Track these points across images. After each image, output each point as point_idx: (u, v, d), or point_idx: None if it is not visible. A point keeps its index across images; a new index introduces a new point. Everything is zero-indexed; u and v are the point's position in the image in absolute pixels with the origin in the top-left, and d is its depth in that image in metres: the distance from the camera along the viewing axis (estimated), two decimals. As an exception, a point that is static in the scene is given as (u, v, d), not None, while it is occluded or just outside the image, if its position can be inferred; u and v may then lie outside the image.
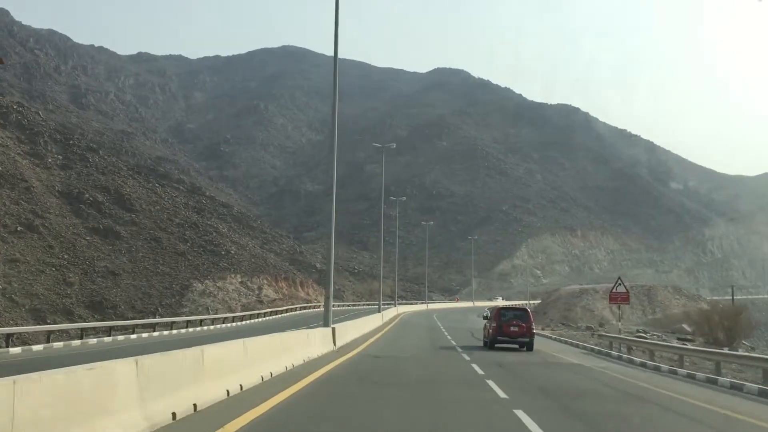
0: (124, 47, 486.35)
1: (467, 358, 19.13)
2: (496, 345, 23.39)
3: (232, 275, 63.33)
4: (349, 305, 76.80)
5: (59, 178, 64.16)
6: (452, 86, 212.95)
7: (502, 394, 11.14)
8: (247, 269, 66.22)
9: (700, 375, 16.25)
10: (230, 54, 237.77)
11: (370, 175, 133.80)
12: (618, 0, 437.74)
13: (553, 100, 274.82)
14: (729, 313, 28.62)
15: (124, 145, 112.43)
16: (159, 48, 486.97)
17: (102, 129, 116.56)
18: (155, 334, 30.89)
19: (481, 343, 25.82)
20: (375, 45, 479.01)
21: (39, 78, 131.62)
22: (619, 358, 22.10)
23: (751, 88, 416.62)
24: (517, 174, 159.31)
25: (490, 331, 23.98)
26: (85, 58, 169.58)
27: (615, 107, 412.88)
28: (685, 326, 37.30)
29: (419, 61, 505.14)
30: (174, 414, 7.34)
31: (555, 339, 32.30)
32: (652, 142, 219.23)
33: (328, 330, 20.36)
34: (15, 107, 73.44)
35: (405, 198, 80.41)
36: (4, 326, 34.06)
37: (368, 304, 73.18)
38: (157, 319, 37.84)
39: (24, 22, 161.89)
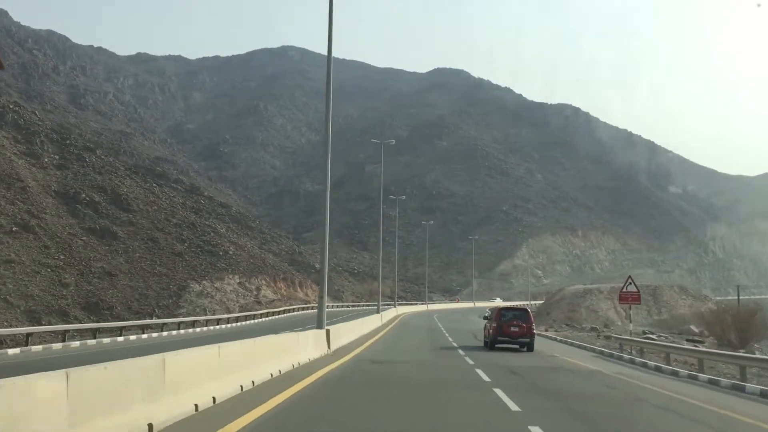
0: (124, 48, 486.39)
1: (471, 362, 18.03)
2: (497, 345, 23.47)
3: (230, 276, 62.69)
4: (348, 306, 76.18)
5: (55, 178, 63.54)
6: (452, 86, 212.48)
7: (513, 406, 9.89)
8: (245, 270, 65.58)
9: (724, 381, 15.16)
10: (230, 54, 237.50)
11: (370, 175, 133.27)
12: (619, 0, 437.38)
13: (553, 100, 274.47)
14: (743, 314, 27.80)
15: (122, 145, 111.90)
16: (158, 48, 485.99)
17: (100, 129, 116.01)
18: (144, 336, 30.02)
19: (482, 344, 25.91)
20: (375, 45, 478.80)
21: (37, 78, 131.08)
22: (632, 361, 21.02)
23: (752, 87, 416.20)
24: (518, 174, 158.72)
25: (491, 331, 24.00)
26: (84, 59, 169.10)
27: (615, 107, 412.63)
28: (692, 327, 36.57)
29: (419, 62, 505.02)
30: None
31: (561, 341, 31.17)
32: (652, 142, 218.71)
33: (322, 332, 19.18)
34: (11, 107, 72.81)
35: (405, 197, 79.61)
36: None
37: (368, 305, 72.58)
38: (146, 321, 36.72)
39: (23, 23, 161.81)
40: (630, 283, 24.97)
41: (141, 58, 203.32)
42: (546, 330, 41.67)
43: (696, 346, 23.42)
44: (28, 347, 23.76)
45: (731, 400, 12.77)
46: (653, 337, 27.88)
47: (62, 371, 5.60)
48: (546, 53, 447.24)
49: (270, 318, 50.06)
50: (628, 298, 24.71)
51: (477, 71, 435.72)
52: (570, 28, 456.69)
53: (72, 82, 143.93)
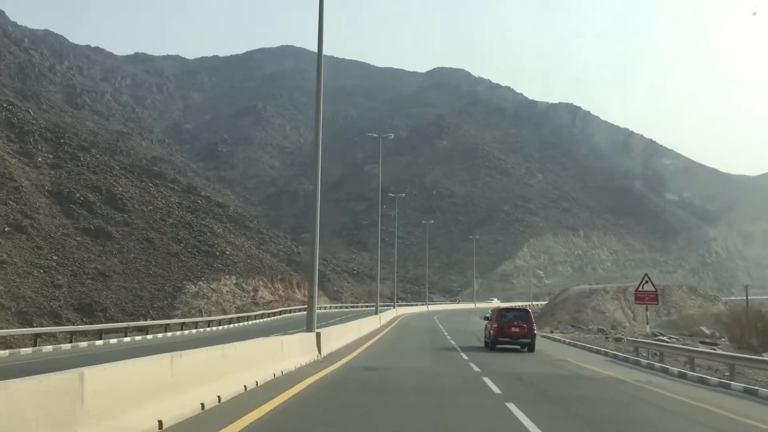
0: (121, 48, 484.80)
1: (476, 368, 16.51)
2: (497, 346, 23.50)
3: (227, 277, 61.64)
4: (346, 307, 75.14)
5: (49, 178, 62.47)
6: (452, 86, 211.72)
7: (532, 428, 8.43)
8: (242, 270, 64.52)
9: (762, 391, 13.85)
10: (228, 54, 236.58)
11: (369, 175, 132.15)
12: (618, 0, 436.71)
13: (553, 100, 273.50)
14: (765, 316, 26.58)
15: (119, 145, 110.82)
16: (156, 48, 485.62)
17: (97, 129, 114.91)
18: (126, 339, 28.58)
19: (482, 344, 25.96)
20: (374, 45, 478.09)
21: (33, 78, 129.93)
22: (650, 366, 19.48)
23: (752, 87, 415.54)
24: (518, 173, 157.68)
25: (491, 331, 24.02)
26: (81, 59, 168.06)
27: (616, 107, 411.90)
28: (703, 328, 35.44)
29: (419, 61, 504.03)
30: None
31: (569, 343, 29.60)
32: (654, 141, 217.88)
33: (311, 336, 17.42)
34: (5, 105, 71.79)
35: (404, 195, 78.26)
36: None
37: (367, 306, 71.46)
38: (129, 324, 34.79)
39: (20, 23, 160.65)
40: (646, 281, 23.22)
41: (139, 58, 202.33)
42: (552, 331, 40.49)
43: (713, 349, 22.06)
44: (17, 350, 22.98)
45: None
46: (665, 339, 26.62)
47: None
48: (546, 52, 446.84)
49: (266, 320, 48.63)
50: (645, 297, 23.07)
51: (477, 71, 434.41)
52: (570, 27, 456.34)
53: (69, 82, 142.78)
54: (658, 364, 19.40)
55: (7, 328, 37.54)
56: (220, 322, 42.08)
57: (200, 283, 58.15)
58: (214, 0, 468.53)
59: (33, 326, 40.79)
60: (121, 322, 40.75)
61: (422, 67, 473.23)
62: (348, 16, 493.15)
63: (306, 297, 74.55)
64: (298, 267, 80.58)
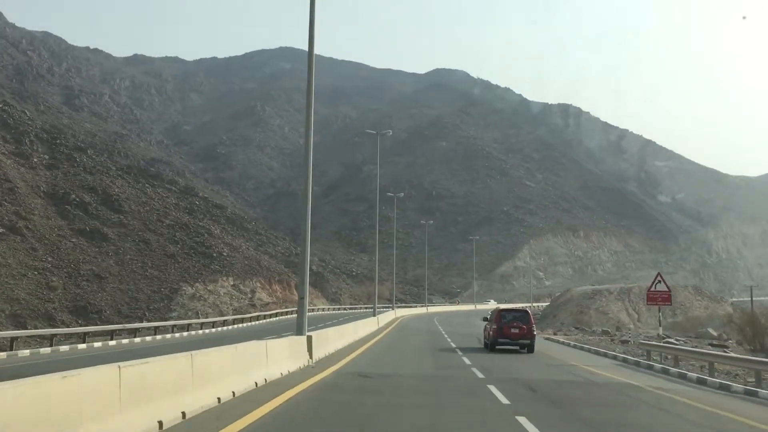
0: (120, 49, 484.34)
1: (480, 375, 15.32)
2: (497, 347, 23.51)
3: (224, 278, 61.04)
4: (345, 309, 74.57)
5: (45, 178, 61.92)
6: (451, 87, 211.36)
7: None
8: (239, 272, 63.92)
9: None
10: (227, 56, 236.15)
11: (368, 177, 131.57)
12: (618, 1, 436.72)
13: (553, 100, 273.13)
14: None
15: (116, 146, 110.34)
16: (155, 50, 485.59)
17: (95, 130, 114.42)
18: (112, 343, 27.61)
19: (482, 345, 25.94)
20: (373, 47, 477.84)
21: (31, 79, 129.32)
22: (665, 371, 18.31)
23: (752, 88, 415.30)
24: (518, 174, 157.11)
25: (491, 333, 23.97)
26: (80, 60, 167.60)
27: (615, 107, 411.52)
28: (710, 330, 34.78)
29: (418, 63, 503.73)
30: None
31: (574, 346, 28.54)
32: (653, 142, 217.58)
33: (302, 339, 16.14)
34: (0, 106, 71.28)
35: (402, 194, 77.47)
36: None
37: (366, 308, 70.84)
38: (113, 326, 33.26)
39: (18, 24, 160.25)
40: (659, 281, 21.82)
41: (138, 60, 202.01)
42: (555, 333, 39.81)
43: (726, 351, 21.20)
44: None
45: None
46: (672, 341, 25.83)
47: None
48: (544, 53, 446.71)
49: (261, 322, 47.69)
50: (657, 298, 21.68)
51: (476, 72, 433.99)
52: (568, 28, 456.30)
53: (67, 84, 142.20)
54: (673, 369, 18.36)
55: (1, 331, 36.98)
56: (213, 325, 40.97)
57: (197, 284, 57.57)
58: (213, 2, 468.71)
59: (27, 329, 40.23)
60: (117, 324, 40.09)
61: (421, 68, 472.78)
62: (347, 18, 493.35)
63: (304, 298, 73.92)
64: (296, 268, 79.64)
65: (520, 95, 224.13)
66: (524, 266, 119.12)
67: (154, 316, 49.73)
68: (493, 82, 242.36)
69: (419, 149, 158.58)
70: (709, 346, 26.39)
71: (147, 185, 74.01)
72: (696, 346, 24.84)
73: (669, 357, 20.38)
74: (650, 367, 19.49)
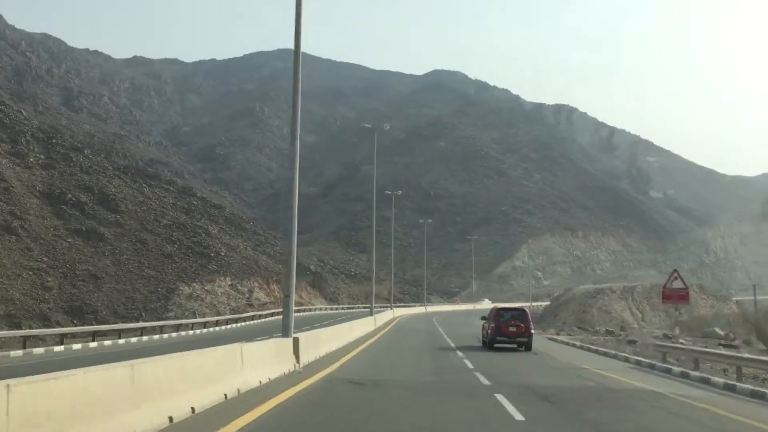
0: (120, 51, 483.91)
1: (486, 381, 13.99)
2: (495, 345, 23.82)
3: (222, 278, 60.92)
4: (342, 308, 74.44)
5: (41, 178, 61.80)
6: (449, 87, 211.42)
7: None
8: (237, 271, 63.80)
9: None
10: (226, 57, 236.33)
11: (366, 177, 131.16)
12: (617, 1, 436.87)
13: (550, 100, 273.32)
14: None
15: (115, 147, 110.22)
16: (154, 52, 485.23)
17: (93, 131, 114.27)
18: (93, 344, 26.65)
19: (480, 343, 26.14)
20: (371, 48, 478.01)
21: (30, 80, 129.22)
22: (685, 376, 16.85)
23: (751, 88, 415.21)
24: (516, 174, 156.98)
25: (489, 331, 24.27)
26: (80, 62, 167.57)
27: (614, 107, 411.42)
28: (717, 329, 34.29)
29: (416, 63, 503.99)
30: None
31: (580, 347, 27.42)
32: (644, 139, 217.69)
33: (287, 342, 14.79)
34: (-3, 106, 71.22)
35: (401, 192, 77.11)
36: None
37: (365, 307, 70.66)
38: (98, 327, 32.40)
39: (17, 26, 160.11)
40: (675, 278, 20.81)
41: (137, 62, 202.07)
42: (557, 333, 38.89)
43: (740, 353, 20.12)
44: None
45: None
46: (682, 341, 25.06)
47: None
48: (544, 53, 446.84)
49: (256, 321, 47.10)
50: (673, 296, 20.72)
51: (474, 73, 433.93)
52: (568, 27, 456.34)
53: (66, 85, 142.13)
54: (694, 373, 16.95)
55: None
56: (205, 325, 39.86)
57: (194, 284, 57.44)
58: (213, 4, 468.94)
59: (21, 329, 40.04)
60: (113, 324, 39.79)
61: (419, 69, 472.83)
62: (345, 19, 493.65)
63: (300, 298, 73.69)
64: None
65: (517, 96, 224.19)
66: (522, 266, 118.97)
67: (150, 316, 49.56)
68: (491, 83, 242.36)
69: (417, 149, 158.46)
70: (721, 347, 25.80)
71: (144, 185, 73.89)
72: (706, 346, 24.23)
73: (682, 358, 19.10)
74: (667, 371, 18.26)
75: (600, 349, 25.67)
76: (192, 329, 37.32)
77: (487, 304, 73.20)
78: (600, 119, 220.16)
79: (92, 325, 41.38)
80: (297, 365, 14.79)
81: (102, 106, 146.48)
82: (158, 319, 45.53)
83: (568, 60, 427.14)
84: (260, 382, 11.63)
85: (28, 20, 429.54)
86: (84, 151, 73.87)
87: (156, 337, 31.58)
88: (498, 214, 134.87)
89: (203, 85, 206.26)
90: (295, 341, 15.17)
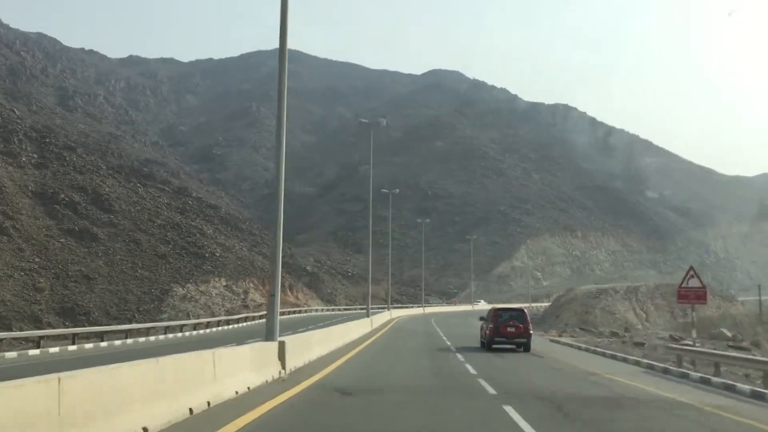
0: (115, 50, 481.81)
1: (492, 390, 12.70)
2: (494, 345, 23.65)
3: (216, 279, 60.04)
4: (339, 309, 73.56)
5: (33, 178, 60.87)
6: (448, 87, 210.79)
7: None
8: (232, 272, 62.90)
9: None
10: (223, 57, 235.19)
11: (364, 177, 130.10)
12: (617, 1, 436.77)
13: (549, 100, 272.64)
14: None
15: (110, 146, 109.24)
16: (150, 51, 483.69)
17: (88, 131, 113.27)
18: (72, 348, 25.36)
19: (479, 344, 25.94)
20: (370, 47, 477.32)
21: (25, 80, 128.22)
22: (706, 382, 15.76)
23: (750, 88, 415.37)
24: (515, 174, 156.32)
25: (488, 332, 24.09)
26: (75, 62, 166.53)
27: (612, 107, 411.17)
28: (724, 331, 33.57)
29: (415, 63, 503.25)
30: None
31: (586, 349, 26.33)
32: (650, 142, 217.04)
33: (272, 346, 13.60)
34: (-11, 105, 70.24)
35: (398, 190, 76.05)
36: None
37: (361, 308, 69.82)
38: (74, 329, 30.92)
39: (12, 25, 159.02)
40: (692, 276, 19.40)
41: (133, 61, 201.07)
42: (560, 335, 37.88)
43: (753, 355, 19.06)
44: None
45: None
46: (689, 342, 24.08)
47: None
48: (542, 53, 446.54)
49: (249, 323, 45.78)
50: (690, 296, 19.32)
51: (472, 72, 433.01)
52: (568, 27, 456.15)
53: (61, 85, 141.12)
54: (716, 379, 15.77)
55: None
56: (195, 327, 38.39)
57: (188, 285, 56.54)
58: (209, 3, 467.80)
59: (12, 330, 39.10)
60: (106, 326, 38.82)
61: (417, 69, 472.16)
62: (343, 18, 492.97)
63: (297, 299, 72.81)
64: (290, 269, 79.11)
65: (515, 95, 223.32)
66: (522, 266, 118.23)
67: (144, 317, 48.68)
68: (489, 82, 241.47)
69: (416, 149, 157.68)
70: (731, 349, 24.97)
71: (139, 185, 72.94)
72: (715, 348, 23.38)
73: (697, 362, 18.11)
74: (684, 376, 17.06)
75: (607, 351, 24.66)
76: (182, 331, 35.84)
77: (483, 305, 72.45)
78: (599, 119, 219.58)
79: (83, 326, 40.30)
80: (282, 371, 13.63)
81: (97, 106, 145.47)
82: (151, 321, 44.52)
83: (567, 60, 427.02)
84: (237, 392, 10.41)
85: (23, 20, 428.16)
86: (77, 151, 72.92)
87: (142, 339, 30.04)
88: (497, 214, 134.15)
89: (200, 84, 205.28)
90: (281, 345, 13.95)
